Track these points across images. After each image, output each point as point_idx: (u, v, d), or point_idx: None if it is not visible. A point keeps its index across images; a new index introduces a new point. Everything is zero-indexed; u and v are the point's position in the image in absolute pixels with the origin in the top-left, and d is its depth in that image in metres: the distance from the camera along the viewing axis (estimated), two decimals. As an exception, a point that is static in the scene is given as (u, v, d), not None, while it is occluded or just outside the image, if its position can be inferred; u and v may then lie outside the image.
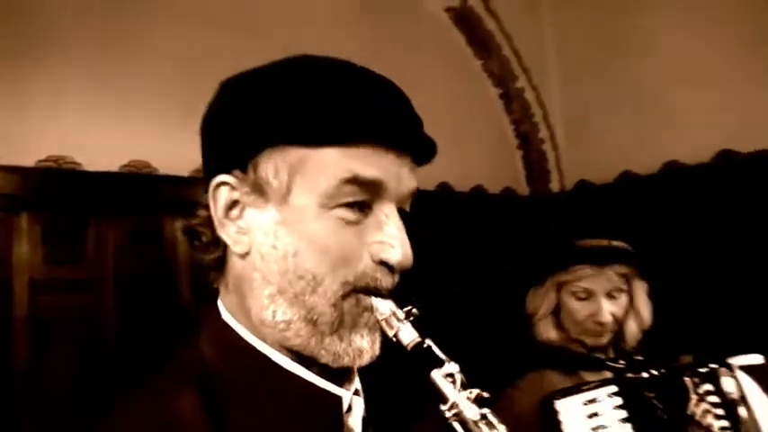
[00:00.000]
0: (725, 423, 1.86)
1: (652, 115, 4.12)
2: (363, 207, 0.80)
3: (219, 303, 0.88)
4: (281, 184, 0.78)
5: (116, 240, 2.80)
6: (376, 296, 0.81)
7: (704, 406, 1.86)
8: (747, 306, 3.54)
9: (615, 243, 2.08)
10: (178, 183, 2.94)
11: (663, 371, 1.91)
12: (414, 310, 0.82)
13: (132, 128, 2.93)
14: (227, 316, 0.87)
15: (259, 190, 0.79)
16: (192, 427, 0.75)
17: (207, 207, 0.84)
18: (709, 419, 1.86)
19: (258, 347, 0.83)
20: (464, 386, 0.77)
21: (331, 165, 0.77)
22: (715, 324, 3.55)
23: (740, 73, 3.67)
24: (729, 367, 1.91)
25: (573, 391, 1.85)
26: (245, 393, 0.81)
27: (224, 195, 0.82)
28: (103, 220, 2.79)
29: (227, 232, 0.82)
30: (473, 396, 0.76)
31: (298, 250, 0.77)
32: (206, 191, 0.84)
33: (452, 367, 0.77)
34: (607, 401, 1.81)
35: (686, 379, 1.88)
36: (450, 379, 0.77)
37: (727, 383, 1.89)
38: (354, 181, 0.77)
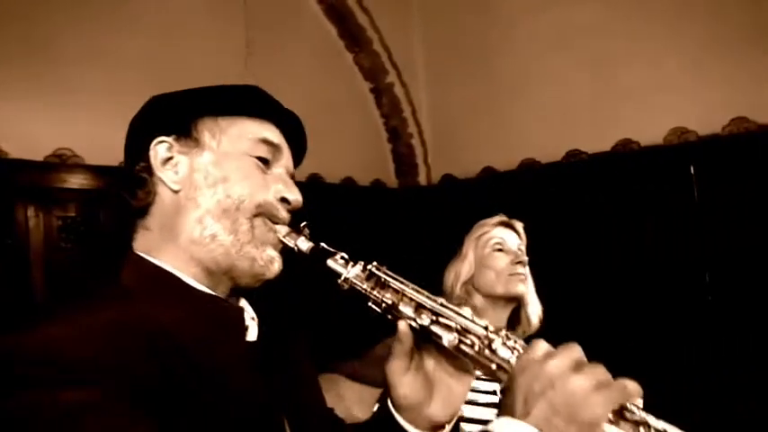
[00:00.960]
0: None
1: (511, 115, 4.39)
2: (268, 164, 1.10)
3: (134, 246, 1.07)
4: (212, 139, 1.07)
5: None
6: (276, 223, 1.08)
7: None
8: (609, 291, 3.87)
9: None
10: (32, 168, 2.79)
11: None
12: (306, 227, 1.09)
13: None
14: (142, 253, 1.05)
15: (196, 143, 1.06)
16: (124, 327, 0.89)
17: (135, 169, 1.06)
18: None
19: (170, 270, 1.03)
20: (352, 265, 1.04)
21: (248, 129, 1.09)
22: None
23: (589, 78, 3.99)
24: None
25: None
26: (161, 305, 0.98)
27: (162, 151, 1.06)
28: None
29: (165, 175, 1.05)
30: (361, 266, 1.04)
31: (226, 177, 1.04)
32: (137, 160, 1.07)
33: (342, 254, 1.05)
34: None
35: None
36: (342, 262, 1.05)
37: None
38: (264, 141, 1.09)
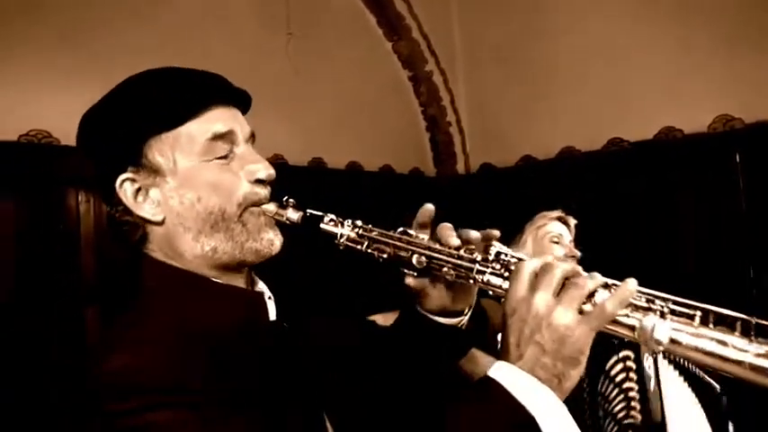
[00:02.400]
0: (634, 387, 2.04)
1: (550, 103, 4.35)
2: (228, 154, 1.09)
3: (150, 256, 1.11)
4: (167, 160, 1.06)
5: (17, 211, 2.73)
6: (261, 205, 1.11)
7: (620, 367, 2.04)
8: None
9: None
10: (80, 154, 2.88)
11: None
12: (290, 199, 1.13)
13: (30, 97, 2.84)
14: (160, 260, 1.10)
15: (155, 171, 1.06)
16: (181, 340, 0.96)
17: (118, 214, 1.09)
18: (623, 380, 2.04)
19: (192, 269, 1.09)
20: (342, 225, 1.11)
21: (194, 133, 1.06)
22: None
23: (628, 67, 3.93)
24: None
25: None
26: (190, 304, 1.05)
27: (129, 188, 1.06)
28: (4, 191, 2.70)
29: (143, 211, 1.07)
30: (350, 224, 1.11)
31: (199, 196, 1.06)
32: (109, 200, 1.09)
33: (330, 216, 1.11)
34: None
35: (613, 341, 2.06)
36: (333, 223, 1.11)
37: (646, 357, 2.07)
38: (215, 137, 1.07)
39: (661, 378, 2.10)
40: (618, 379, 2.05)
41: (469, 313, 1.23)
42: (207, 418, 0.89)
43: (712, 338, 0.86)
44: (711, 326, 0.88)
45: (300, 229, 1.11)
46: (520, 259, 1.00)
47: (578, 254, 2.31)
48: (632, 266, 3.78)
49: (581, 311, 0.90)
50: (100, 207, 2.94)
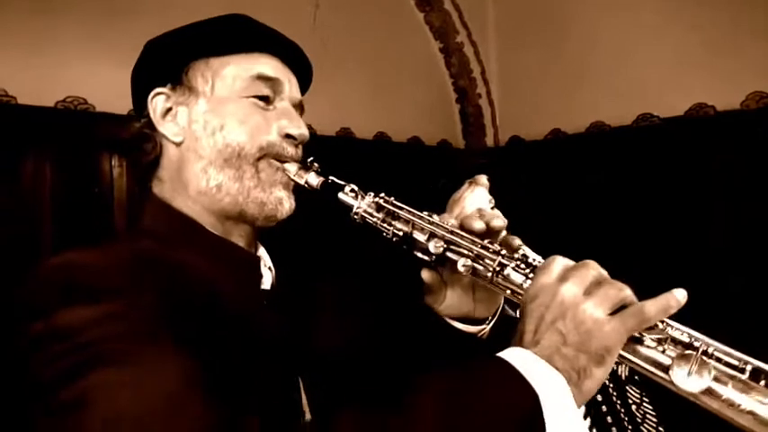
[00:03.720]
0: None
1: (581, 77, 4.31)
2: (268, 100, 1.08)
3: (154, 194, 1.09)
4: (206, 83, 1.05)
5: (53, 175, 2.81)
6: (284, 162, 1.07)
7: None
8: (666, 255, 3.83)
9: None
10: (115, 121, 2.95)
11: None
12: (315, 162, 1.09)
13: (69, 65, 2.90)
14: (162, 198, 1.08)
15: (190, 91, 1.06)
16: (142, 260, 0.92)
17: (140, 125, 1.09)
18: None
19: (189, 214, 1.06)
20: (362, 197, 1.05)
21: (241, 67, 1.06)
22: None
23: (661, 43, 3.86)
24: None
25: None
26: (179, 247, 1.01)
27: (160, 104, 1.07)
28: (41, 155, 2.79)
29: (165, 129, 1.07)
30: (372, 197, 1.05)
31: (223, 125, 1.03)
32: (140, 113, 1.09)
33: (352, 186, 1.06)
34: None
35: None
36: (353, 194, 1.05)
37: None
38: (260, 77, 1.06)
39: None
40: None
41: (493, 322, 1.12)
42: (137, 329, 0.80)
43: (759, 399, 0.72)
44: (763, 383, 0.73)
45: (317, 195, 1.06)
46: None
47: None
48: (659, 243, 3.79)
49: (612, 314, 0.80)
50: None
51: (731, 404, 0.72)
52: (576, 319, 0.79)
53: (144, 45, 1.11)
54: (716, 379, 0.74)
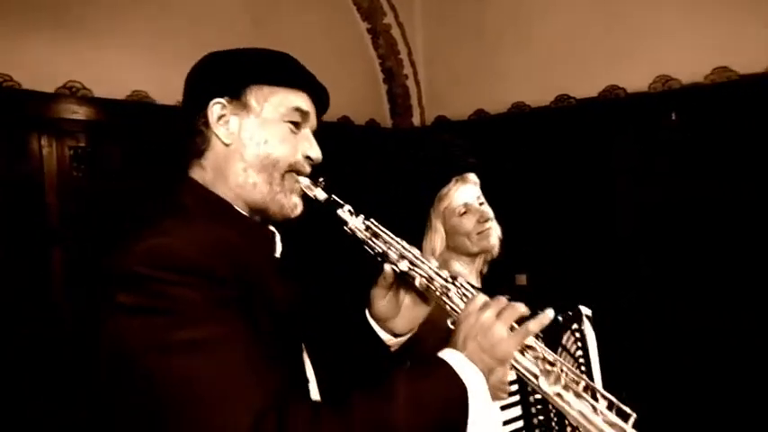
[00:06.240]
0: (581, 354, 2.27)
1: (503, 60, 4.51)
2: (298, 126, 1.37)
3: (194, 178, 1.33)
4: (258, 105, 1.33)
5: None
6: (302, 176, 1.38)
7: (572, 339, 2.26)
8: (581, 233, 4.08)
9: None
10: (45, 99, 2.93)
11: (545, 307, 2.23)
12: (323, 181, 1.39)
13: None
14: (203, 184, 1.33)
15: (245, 107, 1.33)
16: (216, 242, 1.15)
17: (194, 122, 1.33)
18: (575, 351, 2.25)
19: (226, 199, 1.32)
20: (357, 215, 1.39)
21: (287, 99, 1.35)
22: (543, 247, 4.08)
23: (581, 27, 4.09)
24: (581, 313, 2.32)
25: None
26: (221, 226, 1.24)
27: (217, 110, 1.32)
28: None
29: (218, 130, 1.32)
30: (362, 218, 1.39)
31: (267, 140, 1.32)
32: (196, 112, 1.33)
33: (348, 207, 1.39)
34: None
35: (560, 317, 2.25)
36: (350, 213, 1.40)
37: (586, 325, 2.29)
38: (298, 110, 1.36)
39: (588, 342, 2.34)
40: (572, 350, 2.27)
41: (404, 340, 1.54)
42: (219, 314, 1.06)
43: (588, 402, 1.14)
44: (587, 394, 1.16)
45: (321, 207, 1.38)
46: (478, 289, 1.33)
47: (489, 214, 2.35)
48: (573, 223, 4.02)
49: (512, 328, 1.21)
50: (62, 150, 3.01)
51: (570, 405, 1.14)
52: (489, 336, 1.20)
53: (207, 55, 1.38)
54: (564, 387, 1.15)
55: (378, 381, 1.13)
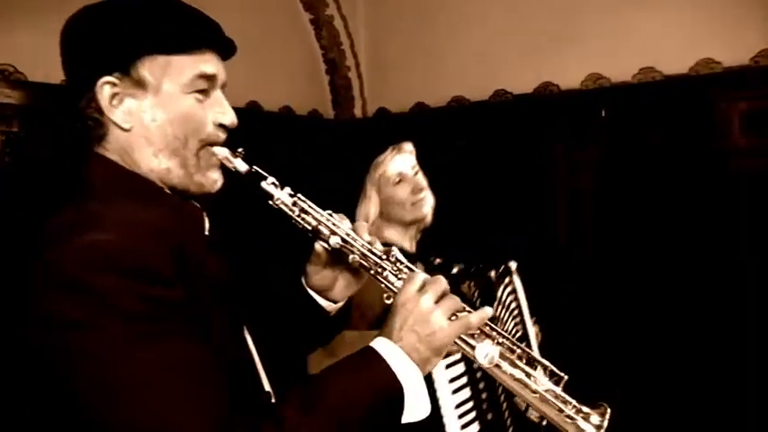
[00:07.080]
0: (515, 306, 2.36)
1: (445, 52, 4.58)
2: (205, 92, 1.22)
3: (105, 157, 1.20)
4: (154, 79, 1.16)
5: None
6: (217, 146, 1.26)
7: (507, 291, 2.34)
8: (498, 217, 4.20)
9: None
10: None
11: (473, 267, 2.32)
12: (241, 151, 1.28)
13: None
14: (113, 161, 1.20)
15: (139, 84, 1.16)
16: (157, 232, 1.06)
17: (81, 102, 1.18)
18: (510, 303, 2.34)
19: (143, 174, 1.20)
20: (282, 188, 1.31)
21: (186, 66, 1.18)
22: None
23: (518, 26, 4.21)
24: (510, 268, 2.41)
25: None
26: (141, 206, 1.13)
27: (108, 91, 1.15)
28: None
29: (114, 115, 1.16)
30: (290, 191, 1.31)
31: (171, 119, 1.18)
32: (83, 94, 1.17)
33: (273, 179, 1.30)
34: None
35: (491, 273, 2.33)
36: (274, 186, 1.31)
37: (515, 278, 2.39)
38: (201, 76, 1.19)
39: (519, 294, 2.44)
40: (507, 302, 2.36)
41: (342, 304, 1.53)
42: (164, 328, 0.99)
43: (524, 370, 1.21)
44: (524, 362, 1.23)
45: (243, 180, 1.28)
46: (412, 269, 1.29)
47: (423, 184, 2.41)
48: (509, 217, 4.12)
49: (450, 318, 1.19)
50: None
51: (507, 374, 1.20)
52: (427, 325, 1.17)
53: (80, 14, 1.18)
54: (501, 356, 1.20)
55: (311, 379, 1.12)
